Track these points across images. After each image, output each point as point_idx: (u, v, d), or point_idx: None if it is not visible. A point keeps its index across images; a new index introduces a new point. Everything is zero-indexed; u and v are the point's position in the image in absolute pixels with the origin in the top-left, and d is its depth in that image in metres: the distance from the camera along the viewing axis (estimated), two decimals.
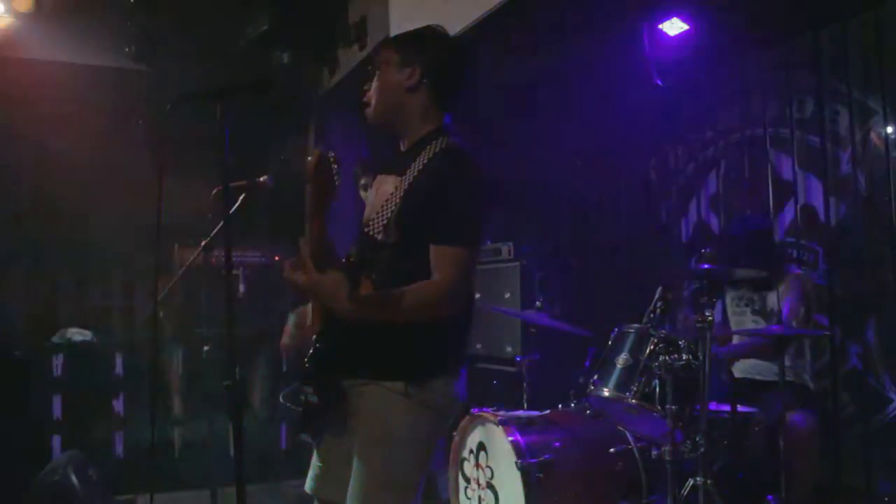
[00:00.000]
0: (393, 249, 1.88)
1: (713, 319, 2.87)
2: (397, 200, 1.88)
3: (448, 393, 1.90)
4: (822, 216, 3.96)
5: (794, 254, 4.07)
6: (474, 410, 3.34)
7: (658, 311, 3.03)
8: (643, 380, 2.91)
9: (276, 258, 5.10)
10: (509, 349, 4.66)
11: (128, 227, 4.82)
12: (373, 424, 1.88)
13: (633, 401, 2.91)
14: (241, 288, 5.02)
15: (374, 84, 2.00)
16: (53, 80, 5.04)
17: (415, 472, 1.89)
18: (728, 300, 3.56)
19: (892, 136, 3.66)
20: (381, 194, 1.97)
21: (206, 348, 3.42)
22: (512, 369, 4.49)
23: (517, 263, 4.72)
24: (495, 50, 4.17)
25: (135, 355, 4.65)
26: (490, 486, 3.23)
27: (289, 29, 5.20)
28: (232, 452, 1.66)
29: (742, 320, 3.47)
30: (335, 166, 1.69)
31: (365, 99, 2.02)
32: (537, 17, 3.89)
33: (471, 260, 1.84)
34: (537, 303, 3.82)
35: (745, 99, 4.40)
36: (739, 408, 3.01)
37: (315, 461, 2.04)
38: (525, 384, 3.60)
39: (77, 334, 4.81)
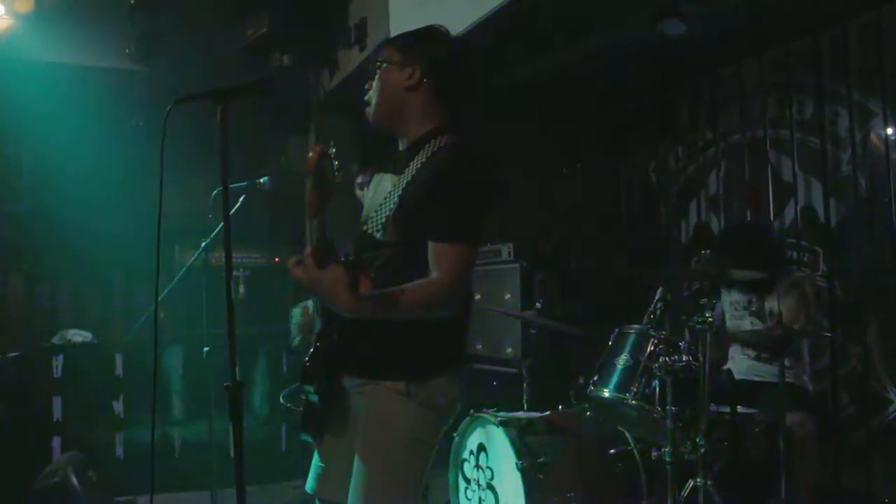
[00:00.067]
0: (392, 248, 1.89)
1: (713, 320, 2.87)
2: (396, 199, 1.88)
3: (449, 392, 1.90)
4: (822, 217, 3.96)
5: (794, 255, 4.07)
6: (474, 411, 3.34)
7: (658, 311, 3.03)
8: (643, 381, 2.91)
9: (276, 259, 5.10)
10: (509, 350, 4.66)
11: (128, 228, 4.83)
12: (373, 424, 1.88)
13: (633, 402, 2.91)
14: (242, 289, 5.02)
15: (375, 84, 2.00)
16: (54, 82, 5.04)
17: (415, 471, 1.89)
18: (726, 305, 3.55)
19: (892, 138, 3.66)
20: (380, 193, 1.97)
21: (206, 349, 3.42)
22: (512, 370, 4.49)
23: (517, 265, 4.73)
24: (496, 51, 4.17)
25: (135, 356, 4.65)
26: (490, 487, 3.23)
27: (289, 30, 5.20)
28: (232, 453, 1.66)
29: (739, 324, 3.47)
30: (335, 162, 1.69)
31: (365, 98, 2.03)
32: (538, 18, 3.89)
33: (470, 257, 1.84)
34: (537, 304, 3.81)
35: (745, 100, 4.41)
36: (739, 409, 3.01)
37: (316, 461, 2.04)
38: (525, 385, 3.60)
39: (77, 335, 4.80)
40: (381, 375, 1.87)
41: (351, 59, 5.27)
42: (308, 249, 1.74)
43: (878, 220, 3.70)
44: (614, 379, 2.98)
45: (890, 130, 3.68)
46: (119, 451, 4.62)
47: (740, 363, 3.46)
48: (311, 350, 1.95)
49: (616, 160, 5.30)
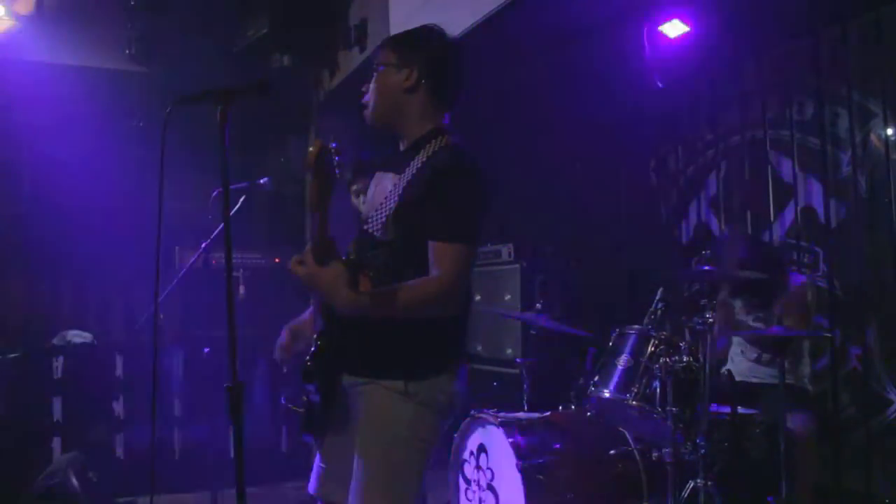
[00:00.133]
0: (391, 247, 1.89)
1: (713, 321, 2.87)
2: (396, 198, 1.89)
3: (448, 391, 1.90)
4: (822, 218, 3.96)
5: (795, 256, 4.07)
6: (474, 412, 3.34)
7: (658, 312, 3.03)
8: (643, 381, 2.91)
9: (277, 260, 5.10)
10: (509, 351, 4.66)
11: (128, 229, 4.83)
12: (373, 423, 1.88)
13: (634, 402, 2.91)
14: (242, 290, 5.02)
15: (372, 85, 2.00)
16: (54, 82, 5.04)
17: (415, 470, 1.89)
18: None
19: (892, 138, 3.66)
20: (380, 192, 1.98)
21: (206, 350, 3.42)
22: (512, 371, 4.49)
23: (517, 265, 4.73)
24: (496, 52, 4.17)
25: (135, 357, 4.65)
26: (490, 488, 3.22)
27: (289, 31, 5.20)
28: (232, 454, 1.66)
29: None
30: (336, 158, 1.69)
31: (363, 100, 2.03)
32: (538, 19, 3.89)
33: (469, 256, 1.84)
34: (537, 304, 3.81)
35: (745, 100, 4.41)
36: (740, 409, 3.01)
37: (317, 461, 2.04)
38: (525, 386, 3.60)
39: (77, 336, 4.81)
40: (379, 374, 1.87)
41: (351, 59, 5.27)
42: (308, 246, 1.74)
43: (878, 220, 3.70)
44: (614, 379, 2.98)
45: (890, 131, 3.67)
46: (119, 452, 4.62)
47: (740, 364, 3.46)
48: (312, 349, 1.95)
49: (616, 161, 5.30)
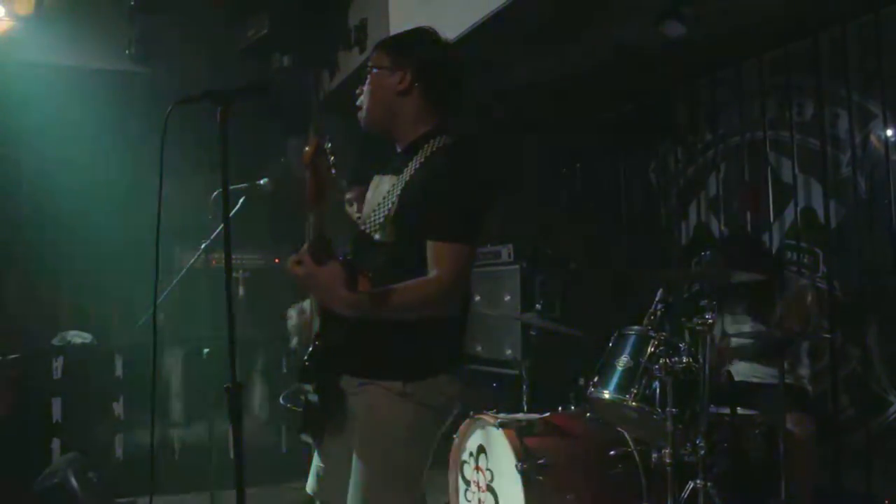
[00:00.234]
0: (390, 248, 1.89)
1: (713, 322, 2.87)
2: (394, 199, 1.89)
3: (447, 391, 1.90)
4: (822, 219, 3.96)
5: (794, 257, 4.07)
6: (474, 413, 3.34)
7: (658, 313, 3.03)
8: (643, 382, 2.91)
9: (276, 260, 5.10)
10: (509, 352, 4.66)
11: (128, 230, 4.82)
12: (371, 424, 1.88)
13: (633, 403, 2.91)
14: (241, 290, 5.02)
15: (366, 88, 1.99)
16: (54, 83, 5.04)
17: (415, 471, 1.89)
18: (727, 315, 3.53)
19: (892, 139, 3.67)
20: (379, 193, 1.98)
21: (205, 350, 3.42)
22: (512, 372, 4.49)
23: (517, 266, 4.73)
24: (496, 52, 4.18)
25: (134, 358, 4.65)
26: (490, 489, 3.22)
27: (289, 32, 5.20)
28: (232, 455, 1.66)
29: (740, 327, 3.46)
30: (332, 157, 1.68)
31: (357, 103, 2.03)
32: (537, 19, 3.89)
33: (469, 256, 1.83)
34: (537, 305, 3.81)
35: (744, 102, 4.41)
36: (739, 410, 3.01)
37: (316, 462, 2.04)
38: (525, 387, 3.60)
39: (77, 337, 4.81)
40: (378, 375, 1.87)
41: (351, 60, 5.27)
42: (305, 246, 1.73)
43: (877, 221, 3.70)
44: (614, 380, 2.98)
45: (890, 132, 3.68)
46: (119, 453, 4.62)
47: (740, 365, 3.46)
48: (310, 350, 1.95)
49: (616, 161, 5.30)
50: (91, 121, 5.13)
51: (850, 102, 3.83)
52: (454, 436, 3.39)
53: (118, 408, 4.64)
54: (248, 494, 1.67)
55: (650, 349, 2.93)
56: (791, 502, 2.85)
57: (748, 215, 4.38)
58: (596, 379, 3.06)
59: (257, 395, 4.99)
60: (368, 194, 2.09)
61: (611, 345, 3.11)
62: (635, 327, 3.06)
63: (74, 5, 5.12)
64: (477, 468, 3.31)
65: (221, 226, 1.74)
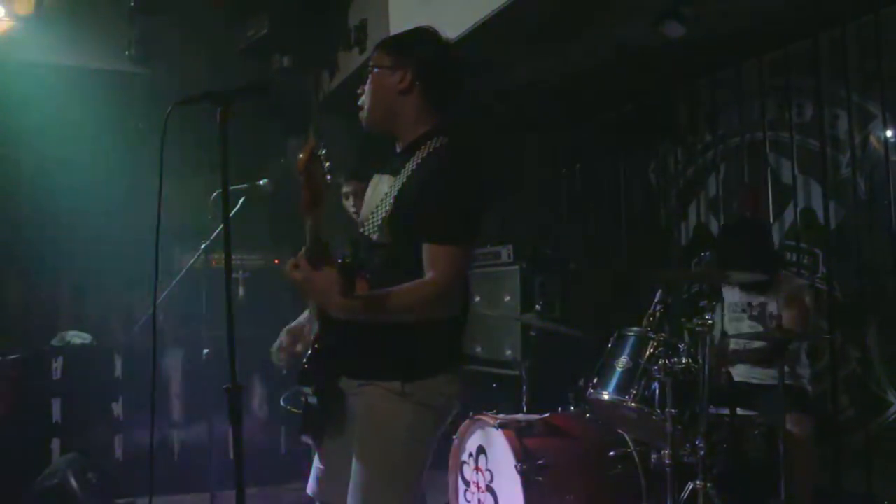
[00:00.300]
0: (388, 249, 1.89)
1: (713, 323, 2.87)
2: (392, 200, 1.89)
3: (446, 392, 1.90)
4: (821, 219, 3.96)
5: (794, 257, 4.07)
6: (473, 414, 3.34)
7: (658, 314, 3.03)
8: (643, 383, 2.91)
9: (276, 261, 5.10)
10: (509, 352, 4.65)
11: (127, 230, 4.82)
12: (370, 425, 1.88)
13: (633, 404, 2.91)
14: (241, 291, 5.02)
15: (367, 88, 2.00)
16: (53, 84, 5.04)
17: (414, 471, 1.89)
18: (725, 307, 3.54)
19: (892, 140, 3.67)
20: (377, 194, 1.98)
21: (205, 351, 3.42)
22: (511, 372, 4.49)
23: (516, 267, 4.73)
24: (496, 52, 4.18)
25: (134, 358, 4.64)
26: (490, 490, 3.22)
27: (289, 32, 5.20)
28: (231, 455, 1.66)
29: (739, 326, 3.46)
30: (327, 163, 1.68)
31: (358, 103, 2.03)
32: (537, 19, 3.89)
33: (465, 258, 1.84)
34: (537, 306, 3.81)
35: (744, 102, 4.41)
36: (739, 411, 3.01)
37: (316, 463, 2.04)
38: (524, 387, 3.60)
39: (76, 337, 4.80)
40: (376, 376, 1.87)
41: (351, 60, 5.27)
42: (302, 251, 1.73)
43: (877, 222, 3.70)
44: (614, 381, 2.98)
45: (889, 133, 3.68)
46: (118, 453, 4.61)
47: (739, 366, 3.46)
48: (309, 352, 1.95)
49: (616, 162, 5.31)
50: (91, 121, 5.12)
51: (850, 103, 3.84)
52: (454, 436, 3.39)
53: (118, 408, 4.63)
54: (247, 495, 1.67)
55: (649, 350, 2.93)
56: (791, 503, 2.85)
57: (748, 216, 4.38)
58: (595, 380, 3.07)
59: (257, 396, 4.99)
60: (368, 194, 2.09)
61: (610, 345, 3.11)
62: (635, 328, 3.06)
63: (74, 5, 5.12)
64: (476, 469, 3.31)
65: (221, 226, 1.74)
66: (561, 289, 4.78)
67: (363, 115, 2.02)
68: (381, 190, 1.97)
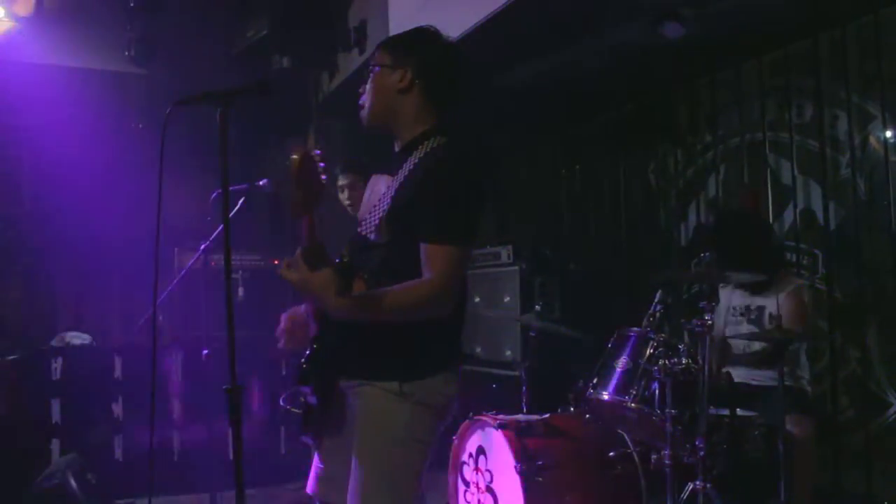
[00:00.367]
0: (385, 249, 1.89)
1: (712, 323, 2.87)
2: (389, 200, 1.89)
3: (444, 391, 1.90)
4: (821, 220, 3.96)
5: (794, 258, 4.07)
6: (473, 414, 3.34)
7: (657, 314, 3.03)
8: (642, 383, 2.91)
9: (276, 262, 5.09)
10: (508, 353, 4.65)
11: (127, 230, 4.83)
12: (369, 425, 1.88)
13: (633, 404, 2.91)
14: (241, 291, 5.01)
15: (368, 87, 2.00)
16: (53, 84, 5.04)
17: (413, 471, 1.89)
18: (724, 310, 3.53)
19: (891, 140, 3.67)
20: (375, 194, 1.98)
21: (205, 352, 3.42)
22: (511, 373, 4.48)
23: (516, 267, 4.73)
24: (496, 53, 4.18)
25: (134, 359, 4.64)
26: (489, 490, 3.22)
27: (289, 33, 5.21)
28: (231, 456, 1.66)
29: (738, 330, 3.46)
30: (321, 165, 1.68)
31: (360, 102, 2.03)
32: (538, 20, 3.90)
33: (462, 258, 1.83)
34: (536, 306, 3.81)
35: (744, 103, 4.41)
36: (739, 412, 3.00)
37: (316, 462, 2.04)
38: (524, 388, 3.60)
39: (76, 338, 4.80)
40: (374, 376, 1.87)
41: (350, 61, 5.28)
42: (298, 252, 1.73)
43: (877, 222, 3.70)
44: (613, 382, 2.98)
45: (889, 133, 3.68)
46: (118, 454, 4.61)
47: (738, 367, 3.45)
48: (308, 352, 1.95)
49: (616, 162, 5.31)
50: (91, 121, 5.13)
51: (850, 104, 3.83)
52: (454, 437, 3.39)
53: (117, 409, 4.63)
54: (247, 495, 1.67)
55: (649, 350, 2.93)
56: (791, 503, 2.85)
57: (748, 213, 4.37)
58: (595, 380, 3.06)
59: (256, 397, 4.99)
60: (366, 194, 2.09)
61: (610, 346, 3.11)
62: (634, 328, 3.06)
63: (74, 6, 5.13)
64: (476, 469, 3.31)
65: (221, 226, 1.74)
66: (560, 289, 4.78)
67: (363, 113, 2.02)
68: (379, 190, 1.97)
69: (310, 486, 2.05)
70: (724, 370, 3.30)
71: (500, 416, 3.25)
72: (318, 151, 1.68)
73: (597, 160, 5.45)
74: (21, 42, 4.97)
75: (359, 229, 1.96)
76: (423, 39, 2.00)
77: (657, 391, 2.87)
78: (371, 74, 2.00)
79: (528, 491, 2.96)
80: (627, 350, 3.00)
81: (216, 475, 3.39)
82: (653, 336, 2.96)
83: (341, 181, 3.51)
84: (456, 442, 3.40)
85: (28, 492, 3.78)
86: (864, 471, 3.69)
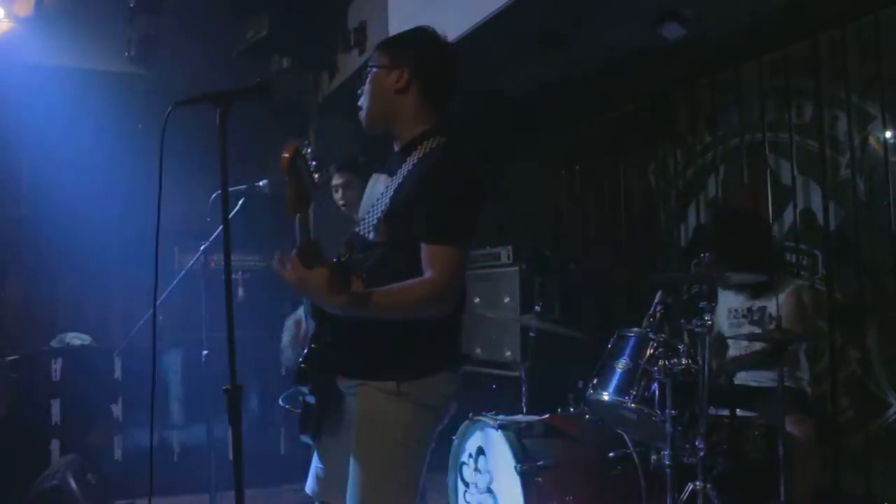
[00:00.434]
0: (384, 248, 1.89)
1: (712, 324, 2.87)
2: (388, 199, 1.89)
3: (442, 391, 1.90)
4: (821, 221, 3.96)
5: (794, 258, 4.07)
6: (473, 415, 3.33)
7: (657, 315, 3.03)
8: (642, 384, 2.91)
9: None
10: (508, 353, 4.65)
11: (127, 231, 4.83)
12: (367, 425, 1.88)
13: (633, 405, 2.91)
14: (240, 292, 5.02)
15: (366, 88, 2.00)
16: (53, 85, 5.04)
17: (411, 470, 1.89)
18: (725, 312, 3.53)
19: (891, 141, 3.67)
20: (374, 194, 1.99)
21: (204, 352, 3.42)
22: (511, 374, 4.48)
23: (516, 268, 4.73)
24: (495, 53, 4.18)
25: (133, 359, 4.65)
26: (489, 491, 3.22)
27: (288, 34, 5.21)
28: (231, 456, 1.66)
29: (738, 331, 3.45)
30: (312, 162, 1.68)
31: (358, 103, 2.03)
32: (537, 21, 3.90)
33: (461, 258, 1.83)
34: (536, 307, 3.81)
35: (744, 103, 4.41)
36: (738, 412, 3.00)
37: (315, 462, 2.04)
38: (524, 388, 3.60)
39: (76, 338, 4.80)
40: (371, 376, 1.87)
41: (350, 61, 5.28)
42: (294, 250, 1.73)
43: (876, 223, 3.70)
44: (613, 382, 2.98)
45: (888, 134, 3.68)
46: (118, 455, 4.62)
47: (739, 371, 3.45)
48: (306, 351, 1.95)
49: (616, 162, 5.31)
50: (91, 122, 5.13)
51: (850, 104, 3.84)
52: (453, 437, 3.39)
53: (117, 409, 4.64)
54: (247, 496, 1.67)
55: (649, 351, 2.93)
56: None
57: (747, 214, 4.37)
58: (595, 381, 3.06)
59: (256, 397, 4.99)
60: (365, 193, 2.09)
61: (610, 346, 3.11)
62: (634, 329, 3.06)
63: (74, 7, 5.12)
64: (476, 469, 3.31)
65: (221, 227, 1.73)
66: (560, 289, 4.78)
67: (362, 115, 2.02)
68: (378, 190, 1.97)
69: (308, 486, 2.05)
70: (723, 375, 3.31)
71: (500, 417, 3.25)
72: (310, 148, 1.68)
73: (597, 160, 5.45)
74: (20, 43, 4.97)
75: (357, 229, 1.96)
76: (419, 39, 2.00)
77: (657, 392, 2.86)
78: (369, 76, 2.00)
79: (528, 491, 2.96)
80: (627, 350, 3.00)
81: (216, 476, 3.39)
82: (653, 336, 2.96)
83: (336, 180, 3.50)
84: (456, 442, 3.40)
85: (27, 492, 3.78)
86: (863, 471, 3.69)
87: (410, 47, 1.98)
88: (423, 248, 1.81)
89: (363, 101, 2.01)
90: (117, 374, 4.65)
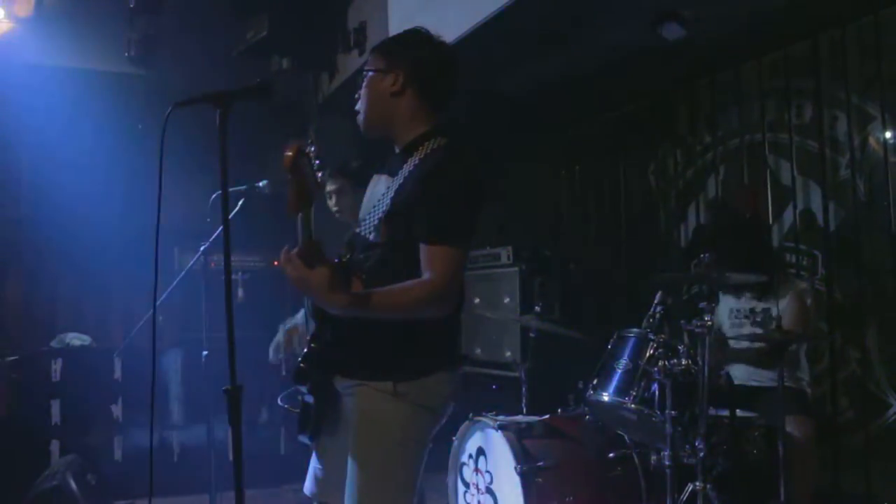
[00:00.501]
0: (384, 249, 1.89)
1: (712, 324, 2.87)
2: (388, 200, 1.89)
3: (441, 391, 1.90)
4: (820, 221, 3.96)
5: (794, 259, 4.07)
6: (473, 415, 3.33)
7: (657, 315, 3.03)
8: (642, 385, 2.91)
9: (275, 263, 5.09)
10: (508, 354, 4.65)
11: (127, 232, 4.83)
12: (365, 425, 1.88)
13: (633, 406, 2.91)
14: (240, 292, 5.02)
15: (362, 92, 2.00)
16: (53, 85, 5.04)
17: (409, 470, 1.89)
18: (726, 312, 3.53)
19: (891, 141, 3.67)
20: (375, 195, 1.99)
21: (204, 353, 3.42)
22: (511, 374, 4.48)
23: (516, 268, 4.73)
24: (495, 54, 4.18)
25: (133, 360, 4.65)
26: (489, 491, 3.22)
27: (288, 34, 5.21)
28: (231, 457, 1.66)
29: (739, 332, 3.45)
30: (316, 161, 1.67)
31: (356, 107, 2.03)
32: (537, 21, 3.90)
33: (461, 259, 1.83)
34: (536, 307, 3.81)
35: (744, 104, 4.41)
36: (738, 413, 3.00)
37: (314, 462, 2.04)
38: (524, 389, 3.60)
39: (75, 339, 4.80)
40: (369, 376, 1.87)
41: (350, 62, 5.28)
42: (296, 250, 1.73)
43: (876, 223, 3.70)
44: (613, 383, 2.98)
45: (888, 134, 3.68)
46: (118, 455, 4.61)
47: (739, 368, 3.45)
48: (305, 351, 1.95)
49: (616, 162, 5.31)
50: (91, 122, 5.13)
51: (849, 105, 3.84)
52: (453, 438, 3.39)
53: (117, 410, 4.63)
54: (247, 496, 1.67)
55: (649, 351, 2.93)
56: None
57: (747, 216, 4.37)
58: (595, 381, 3.06)
59: (256, 398, 4.99)
60: (366, 194, 2.09)
61: (610, 347, 3.11)
62: (634, 329, 3.06)
63: (74, 7, 5.12)
64: (476, 470, 3.31)
65: (221, 228, 1.73)
66: (561, 290, 4.78)
67: (359, 119, 2.02)
68: (379, 190, 1.97)
69: (307, 487, 2.05)
70: (722, 372, 3.30)
71: (500, 417, 3.25)
72: (313, 147, 1.68)
73: (597, 160, 5.45)
74: (20, 43, 4.97)
75: (358, 229, 1.96)
76: (414, 42, 2.00)
77: (657, 392, 2.86)
78: (364, 80, 2.00)
79: (528, 492, 2.96)
80: (627, 351, 3.00)
81: (216, 476, 3.39)
82: (653, 337, 2.96)
83: (329, 186, 3.48)
84: (456, 443, 3.40)
85: (27, 493, 3.78)
86: (863, 471, 3.69)
87: (405, 50, 1.97)
88: (423, 248, 1.81)
89: (360, 106, 2.01)
90: (117, 374, 4.65)
